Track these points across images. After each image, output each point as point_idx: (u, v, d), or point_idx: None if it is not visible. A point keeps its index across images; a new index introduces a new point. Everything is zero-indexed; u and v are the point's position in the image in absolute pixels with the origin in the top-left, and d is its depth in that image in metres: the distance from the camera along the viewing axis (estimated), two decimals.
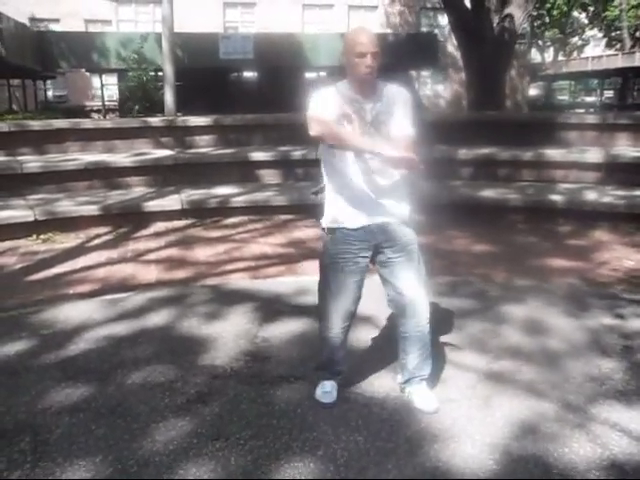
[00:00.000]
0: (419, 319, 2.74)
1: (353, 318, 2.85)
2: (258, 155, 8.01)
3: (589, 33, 41.09)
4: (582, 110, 25.13)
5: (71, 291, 4.49)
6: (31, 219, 6.03)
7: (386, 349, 3.15)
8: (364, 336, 3.49)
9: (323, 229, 2.78)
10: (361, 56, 2.51)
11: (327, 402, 2.82)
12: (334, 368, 2.91)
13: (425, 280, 2.79)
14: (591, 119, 8.84)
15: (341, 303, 2.75)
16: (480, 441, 2.54)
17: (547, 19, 35.52)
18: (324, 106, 2.60)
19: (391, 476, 2.33)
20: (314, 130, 2.57)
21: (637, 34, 36.48)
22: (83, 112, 20.62)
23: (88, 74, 23.39)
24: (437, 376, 3.07)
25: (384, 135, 2.59)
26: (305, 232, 6.11)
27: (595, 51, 40.74)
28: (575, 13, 37.38)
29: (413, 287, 2.72)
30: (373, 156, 2.55)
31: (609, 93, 35.45)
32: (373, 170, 2.64)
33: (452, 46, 21.24)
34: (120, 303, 4.14)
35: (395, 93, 2.67)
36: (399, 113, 2.63)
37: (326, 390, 2.86)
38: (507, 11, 11.42)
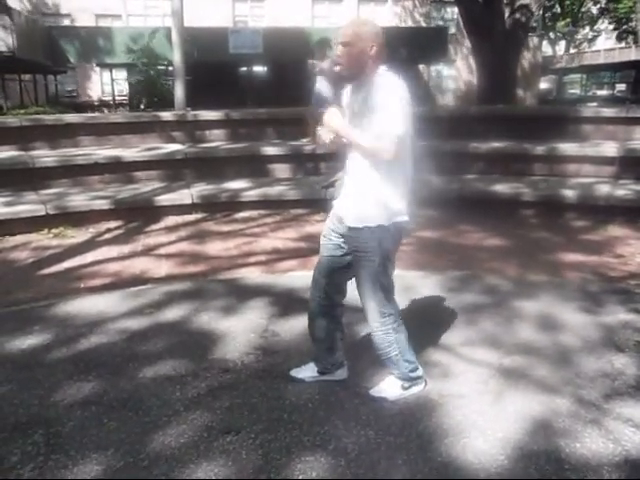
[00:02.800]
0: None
1: (325, 294, 2.82)
2: (268, 149, 8.00)
3: (601, 26, 40.66)
4: (594, 104, 24.92)
5: (82, 285, 4.52)
6: (42, 213, 6.06)
7: None
8: None
9: None
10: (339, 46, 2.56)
11: (293, 375, 2.99)
12: (315, 345, 2.95)
13: (366, 298, 2.73)
14: (605, 112, 8.75)
15: (315, 271, 2.85)
16: (492, 436, 2.53)
17: (558, 10, 35.17)
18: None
19: (401, 471, 2.32)
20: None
21: None
22: (92, 107, 20.70)
23: (98, 69, 23.47)
24: (449, 371, 3.06)
25: (363, 126, 2.50)
26: (316, 227, 6.10)
27: (607, 44, 40.30)
28: (588, 4, 36.98)
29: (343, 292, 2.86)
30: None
31: (621, 86, 35.10)
32: (353, 161, 2.65)
33: (462, 39, 21.12)
34: (131, 297, 4.15)
35: (379, 84, 2.49)
36: (375, 106, 2.45)
37: (302, 367, 3.02)
38: (520, 2, 11.33)
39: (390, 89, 2.47)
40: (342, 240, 2.73)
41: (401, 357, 2.78)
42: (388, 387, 2.86)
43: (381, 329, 2.75)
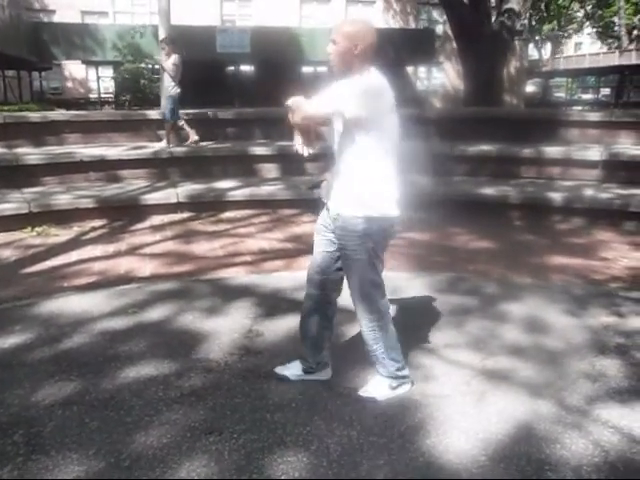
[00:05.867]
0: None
1: (321, 291, 2.83)
2: (256, 149, 8.00)
3: (586, 30, 41.04)
4: (579, 107, 25.15)
5: (66, 284, 4.48)
6: (26, 211, 6.01)
7: None
8: (358, 331, 3.47)
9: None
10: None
11: (278, 372, 2.99)
12: (303, 343, 2.95)
13: (354, 292, 2.75)
14: (591, 117, 8.84)
15: (310, 268, 2.86)
16: (473, 437, 2.54)
17: (544, 14, 35.43)
18: None
19: (383, 471, 2.33)
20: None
21: (634, 32, 36.41)
22: (78, 104, 20.53)
23: (84, 66, 23.28)
24: (431, 372, 3.07)
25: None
26: (303, 227, 6.10)
27: (592, 48, 40.72)
28: (573, 8, 37.32)
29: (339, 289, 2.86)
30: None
31: (605, 90, 35.47)
32: (337, 149, 2.66)
33: (449, 41, 21.21)
34: (115, 297, 4.12)
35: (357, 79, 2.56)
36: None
37: (287, 365, 3.02)
38: (506, 6, 11.42)
39: (358, 82, 2.51)
40: (333, 235, 2.72)
41: (387, 355, 2.79)
42: (376, 387, 2.86)
43: (369, 325, 2.76)
